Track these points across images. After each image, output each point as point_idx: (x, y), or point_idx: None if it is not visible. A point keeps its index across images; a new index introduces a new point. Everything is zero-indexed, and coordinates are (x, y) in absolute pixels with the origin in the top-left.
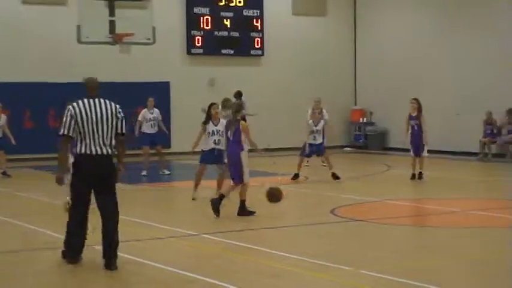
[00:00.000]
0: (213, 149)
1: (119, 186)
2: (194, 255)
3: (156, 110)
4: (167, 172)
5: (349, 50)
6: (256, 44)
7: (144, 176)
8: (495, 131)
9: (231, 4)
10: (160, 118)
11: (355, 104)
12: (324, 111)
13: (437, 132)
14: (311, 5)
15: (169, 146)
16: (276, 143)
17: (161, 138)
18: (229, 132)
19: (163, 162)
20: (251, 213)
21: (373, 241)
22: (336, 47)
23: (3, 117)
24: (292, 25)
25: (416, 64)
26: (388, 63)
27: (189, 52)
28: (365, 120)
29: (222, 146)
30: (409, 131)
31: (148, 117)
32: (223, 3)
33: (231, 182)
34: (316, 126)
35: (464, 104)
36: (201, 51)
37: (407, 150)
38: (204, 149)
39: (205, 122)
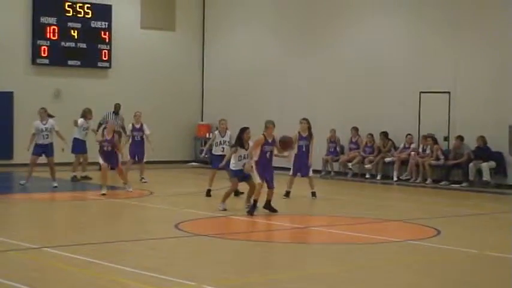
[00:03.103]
0: (241, 170)
1: None
2: (33, 269)
3: (50, 120)
4: (55, 184)
5: (197, 65)
6: (103, 56)
7: (21, 184)
8: (338, 149)
9: (79, 15)
10: (56, 128)
11: (202, 120)
12: (145, 125)
13: None
14: (159, 19)
15: (10, 157)
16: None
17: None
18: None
19: (54, 173)
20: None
21: (216, 256)
22: (184, 61)
23: None
24: (140, 38)
25: (263, 80)
26: (235, 79)
27: (34, 62)
28: (211, 135)
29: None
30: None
31: (40, 127)
32: (70, 13)
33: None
34: (223, 137)
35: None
36: (46, 61)
37: None
38: (233, 168)
39: (239, 145)
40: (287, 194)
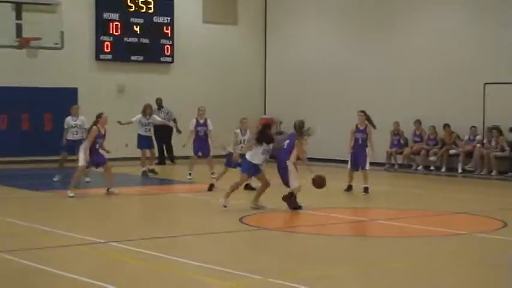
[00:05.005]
0: (260, 165)
1: (27, 194)
2: (102, 263)
3: (81, 117)
4: (87, 179)
5: (259, 58)
6: (166, 51)
7: (55, 181)
8: (402, 142)
9: (141, 10)
10: (85, 126)
11: (265, 113)
12: (209, 120)
13: (343, 142)
14: (222, 14)
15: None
16: (185, 151)
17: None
18: (286, 142)
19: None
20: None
21: (282, 249)
22: (246, 55)
23: None
24: (202, 33)
25: (325, 74)
26: (297, 72)
27: (97, 58)
28: (275, 130)
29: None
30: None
31: (71, 123)
32: (133, 9)
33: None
34: (243, 136)
35: (371, 114)
36: (109, 57)
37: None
38: (251, 161)
39: (265, 142)
40: (349, 188)
